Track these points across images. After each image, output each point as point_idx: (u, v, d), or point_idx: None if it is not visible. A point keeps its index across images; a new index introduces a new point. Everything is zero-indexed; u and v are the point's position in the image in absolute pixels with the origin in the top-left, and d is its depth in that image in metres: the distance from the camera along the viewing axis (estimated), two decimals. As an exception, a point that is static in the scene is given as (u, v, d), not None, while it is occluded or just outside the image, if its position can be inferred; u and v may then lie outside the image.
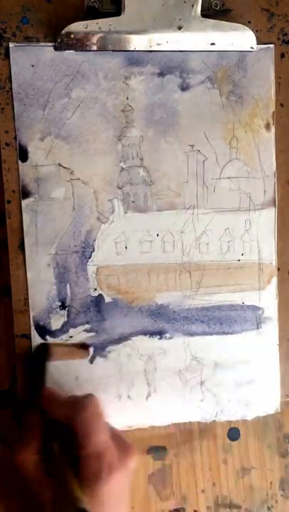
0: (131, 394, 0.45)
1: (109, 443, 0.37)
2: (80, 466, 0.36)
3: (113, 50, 0.42)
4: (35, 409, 0.39)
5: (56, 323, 0.44)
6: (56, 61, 0.42)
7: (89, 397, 0.38)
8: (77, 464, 0.36)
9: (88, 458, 0.36)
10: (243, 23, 0.44)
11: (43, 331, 0.44)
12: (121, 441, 0.38)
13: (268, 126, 0.46)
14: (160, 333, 0.45)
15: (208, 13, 0.43)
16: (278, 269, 0.47)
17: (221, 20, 0.43)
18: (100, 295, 0.44)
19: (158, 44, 0.42)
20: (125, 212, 0.44)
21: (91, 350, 0.44)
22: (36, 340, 0.43)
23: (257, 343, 0.47)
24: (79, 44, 0.41)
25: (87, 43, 0.42)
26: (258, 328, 0.47)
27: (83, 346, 0.44)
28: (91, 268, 0.44)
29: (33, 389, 0.41)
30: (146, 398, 0.46)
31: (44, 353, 0.43)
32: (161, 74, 0.44)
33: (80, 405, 0.38)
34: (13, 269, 0.43)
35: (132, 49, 0.42)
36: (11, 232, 0.43)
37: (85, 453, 0.36)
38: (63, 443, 0.38)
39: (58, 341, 0.44)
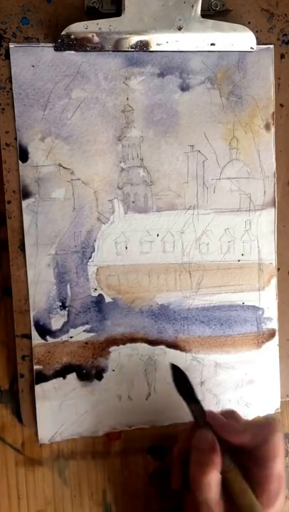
0: (131, 394, 0.45)
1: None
2: (260, 487, 0.37)
3: (113, 51, 0.42)
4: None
5: (56, 323, 0.44)
6: (56, 61, 0.42)
7: (275, 420, 0.39)
8: (252, 484, 0.37)
9: (271, 478, 0.37)
10: (243, 24, 0.44)
11: (43, 330, 0.44)
12: None
13: (267, 127, 0.46)
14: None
15: (208, 13, 0.43)
16: (278, 269, 0.47)
17: (221, 20, 0.43)
18: (100, 295, 0.44)
19: (158, 44, 0.43)
20: (125, 213, 0.44)
21: None
22: (36, 340, 0.43)
23: (257, 344, 0.47)
24: (79, 44, 0.41)
25: (88, 44, 0.42)
26: (258, 328, 0.47)
27: None
28: (91, 268, 0.44)
29: (197, 415, 0.40)
30: (147, 398, 0.46)
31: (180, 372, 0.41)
32: (161, 74, 0.44)
33: (271, 429, 0.38)
34: (14, 270, 0.43)
35: (132, 49, 0.42)
36: (11, 233, 0.43)
37: (269, 473, 0.37)
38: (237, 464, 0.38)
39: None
